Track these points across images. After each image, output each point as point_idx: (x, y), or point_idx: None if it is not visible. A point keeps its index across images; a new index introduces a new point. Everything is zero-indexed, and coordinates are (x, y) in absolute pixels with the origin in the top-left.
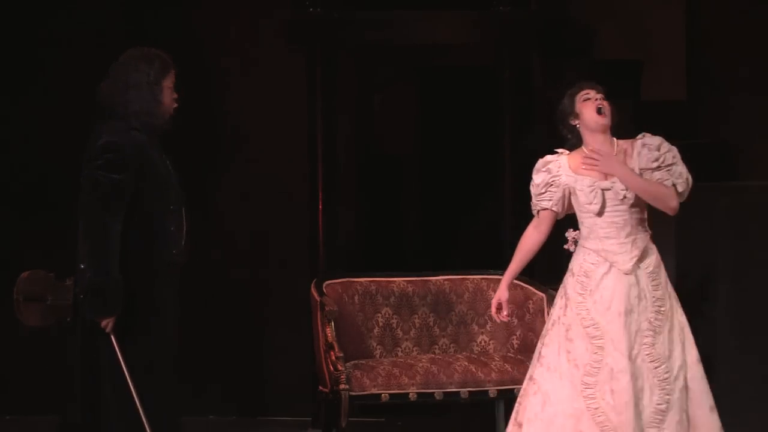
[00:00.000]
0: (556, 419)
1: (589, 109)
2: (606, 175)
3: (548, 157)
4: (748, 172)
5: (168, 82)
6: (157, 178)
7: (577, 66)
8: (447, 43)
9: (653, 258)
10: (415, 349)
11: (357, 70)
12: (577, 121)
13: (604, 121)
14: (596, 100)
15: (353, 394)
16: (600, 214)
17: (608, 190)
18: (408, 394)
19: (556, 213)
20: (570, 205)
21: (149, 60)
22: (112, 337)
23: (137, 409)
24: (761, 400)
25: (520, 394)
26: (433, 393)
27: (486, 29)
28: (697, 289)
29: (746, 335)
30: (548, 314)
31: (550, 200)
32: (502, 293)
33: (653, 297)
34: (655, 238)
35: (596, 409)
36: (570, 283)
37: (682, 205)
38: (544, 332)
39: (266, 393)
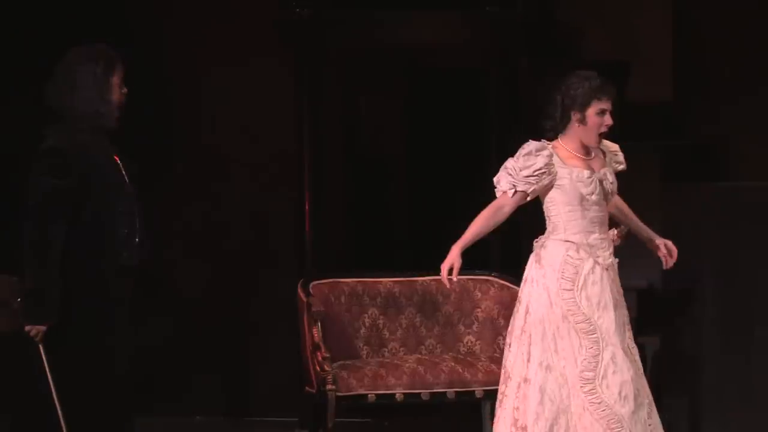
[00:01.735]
0: (560, 417)
1: (597, 128)
2: (593, 167)
3: (541, 143)
4: (735, 172)
5: (116, 79)
6: (104, 180)
7: (564, 67)
8: (434, 44)
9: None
10: (401, 349)
11: (345, 70)
12: (578, 121)
13: (598, 145)
14: (606, 126)
15: (340, 394)
16: (596, 204)
17: (602, 181)
18: (395, 394)
19: (526, 199)
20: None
21: (94, 58)
22: (40, 347)
23: (58, 418)
24: (747, 400)
25: (513, 399)
26: (420, 393)
27: (473, 30)
28: (684, 289)
29: (733, 335)
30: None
31: (533, 185)
32: (456, 259)
33: (622, 292)
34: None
35: (599, 403)
36: (551, 277)
37: (671, 205)
38: (518, 331)
39: (253, 393)
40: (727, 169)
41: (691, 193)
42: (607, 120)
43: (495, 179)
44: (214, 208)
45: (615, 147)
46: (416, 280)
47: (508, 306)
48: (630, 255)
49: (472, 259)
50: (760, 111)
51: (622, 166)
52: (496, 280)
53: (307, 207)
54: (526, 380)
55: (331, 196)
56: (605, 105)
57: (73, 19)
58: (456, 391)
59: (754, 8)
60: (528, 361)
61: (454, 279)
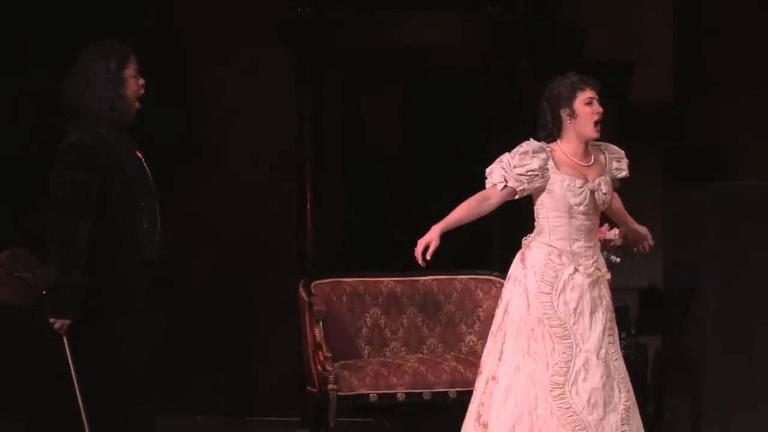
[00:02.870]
0: (524, 419)
1: (590, 117)
2: (587, 176)
3: (540, 145)
4: (735, 172)
5: (129, 72)
6: (126, 175)
7: (565, 67)
8: (435, 44)
9: (602, 261)
10: (403, 349)
11: (345, 70)
12: (568, 117)
13: (598, 135)
14: (598, 113)
15: (341, 394)
16: (584, 214)
17: (594, 192)
18: (396, 394)
19: (514, 196)
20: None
21: (106, 54)
22: (64, 339)
23: (80, 411)
24: (748, 400)
25: (480, 394)
26: (422, 393)
27: (473, 30)
28: (685, 289)
29: (734, 335)
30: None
31: (524, 185)
32: (435, 238)
33: (609, 296)
34: None
35: (567, 408)
36: (531, 279)
37: (671, 205)
38: (495, 327)
39: (254, 393)
40: (727, 169)
41: (691, 193)
42: (597, 108)
43: (488, 170)
44: (215, 207)
45: (620, 153)
46: (418, 280)
47: None
48: (631, 255)
49: (474, 259)
50: (760, 111)
51: (623, 173)
52: (498, 279)
53: (309, 207)
54: (494, 378)
55: (331, 196)
56: (591, 94)
57: (75, 15)
58: (458, 391)
59: (753, 8)
60: (499, 359)
61: (428, 257)
